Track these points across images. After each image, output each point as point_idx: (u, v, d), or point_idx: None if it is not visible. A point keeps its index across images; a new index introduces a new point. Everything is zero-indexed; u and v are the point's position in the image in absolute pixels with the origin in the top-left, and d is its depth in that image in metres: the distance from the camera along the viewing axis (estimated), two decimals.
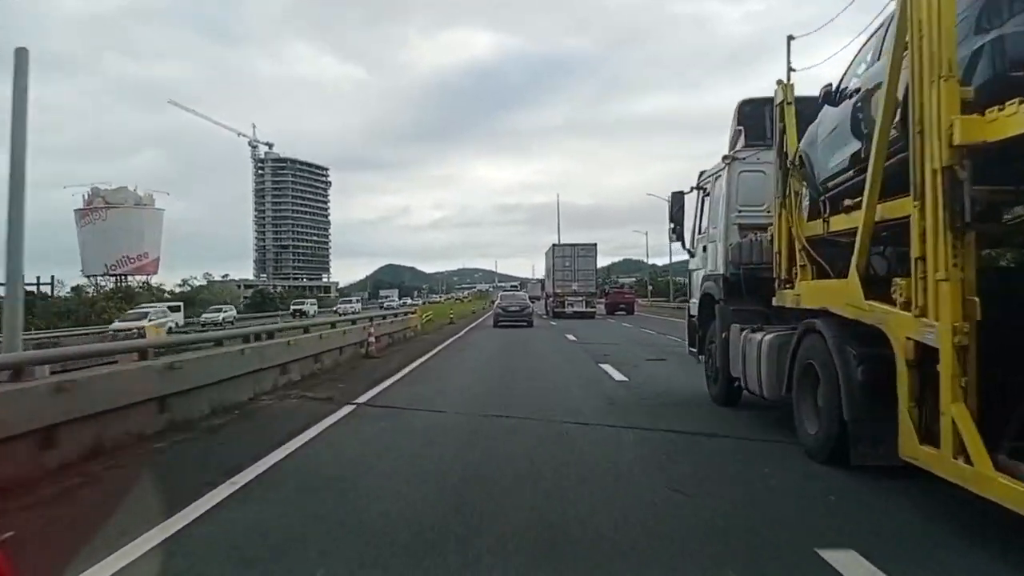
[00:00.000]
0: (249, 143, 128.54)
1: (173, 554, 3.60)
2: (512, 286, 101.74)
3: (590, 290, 39.51)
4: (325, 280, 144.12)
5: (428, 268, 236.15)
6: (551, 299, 40.98)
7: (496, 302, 37.70)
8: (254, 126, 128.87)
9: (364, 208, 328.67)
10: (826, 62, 6.03)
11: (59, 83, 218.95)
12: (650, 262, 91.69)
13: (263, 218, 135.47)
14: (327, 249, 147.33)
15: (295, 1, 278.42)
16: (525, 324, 29.57)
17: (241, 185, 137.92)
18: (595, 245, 39.79)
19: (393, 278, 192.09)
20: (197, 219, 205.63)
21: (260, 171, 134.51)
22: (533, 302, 46.19)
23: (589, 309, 39.20)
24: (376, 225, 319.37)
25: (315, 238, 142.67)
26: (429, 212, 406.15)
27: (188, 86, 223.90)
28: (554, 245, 40.36)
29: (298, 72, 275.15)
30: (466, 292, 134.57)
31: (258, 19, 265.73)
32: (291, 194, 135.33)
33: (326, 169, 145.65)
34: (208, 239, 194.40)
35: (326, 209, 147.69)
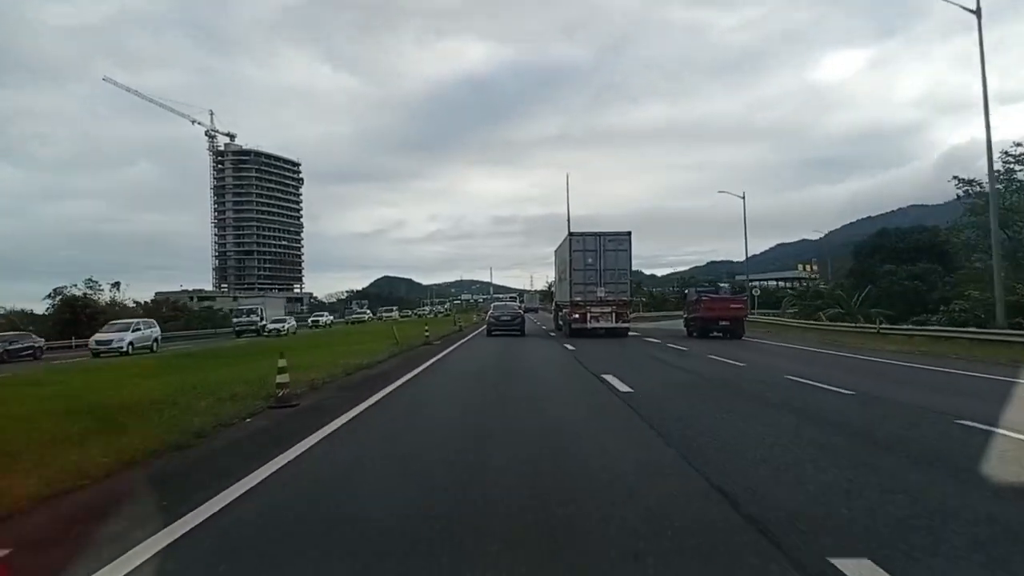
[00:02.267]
0: (206, 133, 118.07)
1: None
2: (511, 297, 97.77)
3: (623, 297, 29.16)
4: (297, 291, 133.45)
5: (425, 280, 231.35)
6: (567, 310, 30.63)
7: (489, 312, 36.71)
8: (211, 113, 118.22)
9: (359, 220, 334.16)
10: None
11: (50, 92, 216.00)
12: (648, 273, 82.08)
13: (223, 220, 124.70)
14: (299, 255, 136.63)
15: (287, 9, 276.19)
16: (517, 332, 31.25)
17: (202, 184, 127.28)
18: (628, 234, 29.44)
19: (389, 290, 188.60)
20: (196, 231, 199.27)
21: (219, 165, 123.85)
22: (527, 313, 40.04)
23: (621, 324, 28.92)
24: (371, 237, 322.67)
25: (284, 242, 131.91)
26: (424, 224, 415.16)
27: (179, 94, 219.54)
28: (571, 235, 29.97)
29: (291, 81, 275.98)
30: (446, 305, 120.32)
31: (250, 27, 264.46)
32: (255, 192, 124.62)
33: (297, 164, 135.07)
34: (178, 248, 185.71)
35: (298, 209, 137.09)
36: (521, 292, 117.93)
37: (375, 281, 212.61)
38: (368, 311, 78.83)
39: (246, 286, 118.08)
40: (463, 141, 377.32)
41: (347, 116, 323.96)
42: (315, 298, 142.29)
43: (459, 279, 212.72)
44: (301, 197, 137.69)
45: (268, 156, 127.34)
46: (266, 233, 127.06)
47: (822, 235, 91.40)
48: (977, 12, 28.67)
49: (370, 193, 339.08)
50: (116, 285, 56.32)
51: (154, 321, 37.93)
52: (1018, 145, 33.83)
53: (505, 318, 32.40)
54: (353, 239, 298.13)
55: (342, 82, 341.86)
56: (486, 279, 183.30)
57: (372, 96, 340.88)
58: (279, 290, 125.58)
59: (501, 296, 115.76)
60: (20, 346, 32.71)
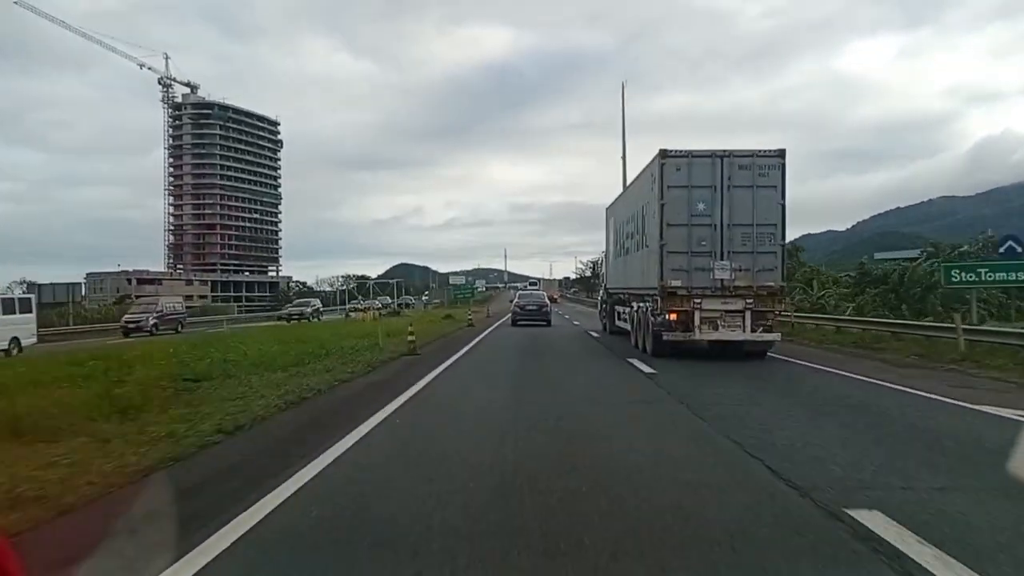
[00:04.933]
0: (159, 81, 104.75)
1: None
2: (531, 283, 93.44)
3: (768, 282, 15.79)
4: (272, 274, 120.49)
5: (443, 268, 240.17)
6: (648, 306, 17.31)
7: (514, 301, 37.78)
8: (167, 57, 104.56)
9: (377, 207, 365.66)
10: None
11: (70, 79, 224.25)
12: None
13: (180, 187, 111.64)
14: (276, 231, 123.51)
15: None
16: (543, 323, 31.68)
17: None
18: (780, 156, 15.94)
19: (406, 277, 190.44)
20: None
21: (176, 121, 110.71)
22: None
23: (762, 335, 15.90)
24: (389, 224, 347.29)
25: (256, 215, 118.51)
26: (442, 212, 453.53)
27: (201, 81, 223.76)
28: (665, 155, 16.17)
29: (311, 68, 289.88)
30: (423, 296, 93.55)
31: (271, 14, 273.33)
32: (219, 153, 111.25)
33: (275, 123, 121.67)
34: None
35: (275, 177, 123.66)
36: (538, 280, 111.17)
37: (392, 268, 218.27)
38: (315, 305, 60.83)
39: (206, 267, 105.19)
40: (483, 128, 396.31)
41: (367, 103, 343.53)
42: (304, 284, 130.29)
43: (476, 267, 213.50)
44: (279, 163, 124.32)
45: (237, 111, 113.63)
46: (233, 204, 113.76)
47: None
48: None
49: (389, 180, 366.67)
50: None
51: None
52: None
53: (531, 308, 33.42)
54: (371, 226, 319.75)
55: (362, 69, 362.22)
56: (503, 267, 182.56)
57: (392, 83, 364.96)
58: (249, 272, 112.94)
59: (517, 284, 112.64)
60: None
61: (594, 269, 79.08)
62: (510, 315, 35.43)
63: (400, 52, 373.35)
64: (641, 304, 18.45)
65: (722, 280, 15.68)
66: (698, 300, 15.58)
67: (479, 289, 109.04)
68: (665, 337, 15.83)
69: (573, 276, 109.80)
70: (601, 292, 31.56)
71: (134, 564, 3.53)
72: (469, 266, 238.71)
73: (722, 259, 15.72)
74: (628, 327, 21.17)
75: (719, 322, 15.75)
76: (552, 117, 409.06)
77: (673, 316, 15.79)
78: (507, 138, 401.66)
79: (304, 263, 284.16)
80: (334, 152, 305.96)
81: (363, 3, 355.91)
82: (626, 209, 21.52)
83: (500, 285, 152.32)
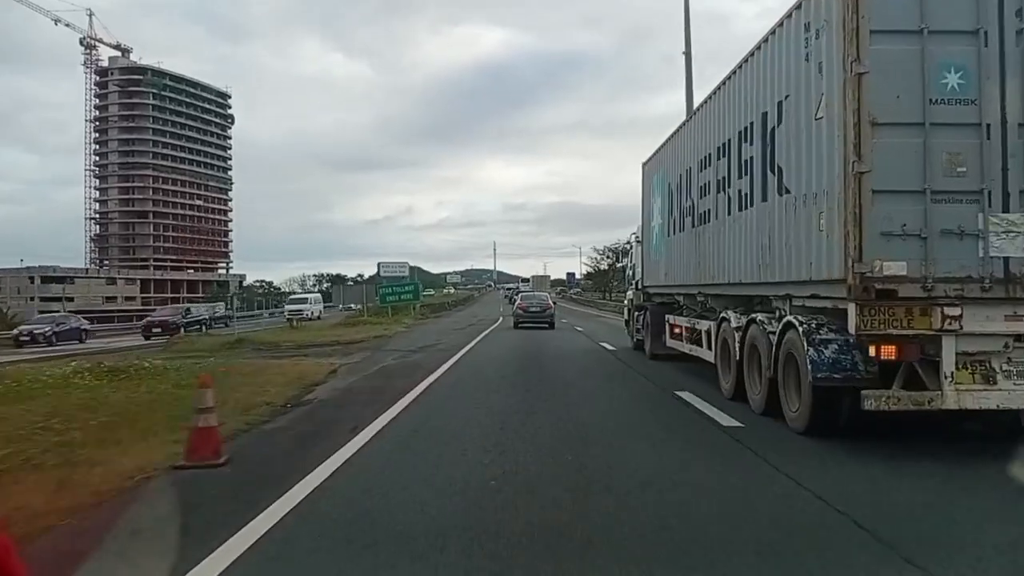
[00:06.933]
0: (81, 41, 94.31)
1: None
2: (523, 280, 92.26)
3: None
4: (222, 272, 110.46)
5: (435, 268, 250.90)
6: (765, 323, 8.12)
7: (516, 303, 39.25)
8: (91, 14, 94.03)
9: (368, 207, 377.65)
10: None
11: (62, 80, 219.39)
12: None
13: (105, 167, 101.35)
14: (225, 223, 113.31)
15: None
16: (545, 325, 32.12)
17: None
18: None
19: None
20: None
21: (101, 89, 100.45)
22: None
23: None
24: (380, 224, 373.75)
25: (200, 203, 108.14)
26: (433, 212, 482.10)
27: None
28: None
29: (304, 69, 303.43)
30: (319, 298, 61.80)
31: (264, 15, 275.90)
32: (152, 127, 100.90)
33: (225, 96, 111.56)
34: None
35: (225, 159, 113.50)
36: (528, 279, 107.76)
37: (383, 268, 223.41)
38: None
39: (138, 263, 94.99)
40: (476, 128, 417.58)
41: (361, 104, 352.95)
42: (270, 284, 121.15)
43: (469, 267, 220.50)
44: (230, 142, 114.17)
45: (176, 78, 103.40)
46: (170, 188, 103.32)
47: None
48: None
49: (379, 180, 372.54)
50: None
51: None
52: None
53: (534, 309, 34.29)
54: (362, 226, 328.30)
55: (356, 70, 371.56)
56: (499, 268, 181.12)
57: (386, 84, 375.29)
58: (193, 270, 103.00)
59: (508, 284, 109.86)
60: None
61: (617, 259, 67.54)
62: (512, 316, 36.71)
63: (393, 51, 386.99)
64: (757, 318, 9.47)
65: (1007, 261, 6.86)
66: (953, 310, 6.72)
67: (446, 290, 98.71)
68: (869, 404, 6.85)
69: (582, 270, 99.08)
70: (629, 294, 22.72)
71: None
72: (461, 267, 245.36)
73: (1006, 209, 6.87)
74: (708, 356, 12.31)
75: (996, 364, 6.91)
76: (547, 118, 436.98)
77: (889, 350, 6.95)
78: (501, 138, 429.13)
79: (296, 264, 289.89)
80: (328, 153, 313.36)
81: (356, 2, 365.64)
82: (704, 142, 12.69)
83: (491, 284, 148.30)
